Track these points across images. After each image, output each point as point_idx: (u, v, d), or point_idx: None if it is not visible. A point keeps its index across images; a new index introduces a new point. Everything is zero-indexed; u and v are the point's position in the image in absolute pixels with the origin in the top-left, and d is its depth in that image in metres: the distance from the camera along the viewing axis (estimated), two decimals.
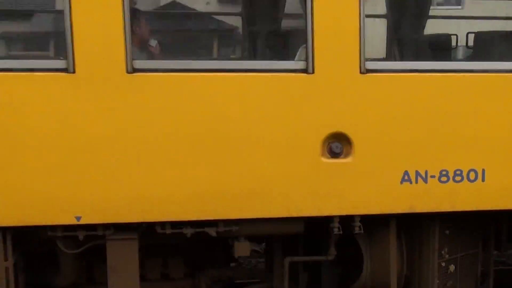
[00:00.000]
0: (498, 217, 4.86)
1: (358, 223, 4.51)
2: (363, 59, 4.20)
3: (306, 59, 4.16)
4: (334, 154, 4.27)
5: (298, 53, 4.64)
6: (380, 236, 4.86)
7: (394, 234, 4.75)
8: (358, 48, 4.16)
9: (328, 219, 4.48)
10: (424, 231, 4.86)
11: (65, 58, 4.12)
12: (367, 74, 4.21)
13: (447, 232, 4.82)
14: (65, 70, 4.09)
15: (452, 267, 4.86)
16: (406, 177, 4.35)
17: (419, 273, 4.95)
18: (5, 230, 4.33)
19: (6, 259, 4.34)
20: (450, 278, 4.94)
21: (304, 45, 4.33)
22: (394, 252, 4.77)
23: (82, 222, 4.24)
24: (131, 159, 4.18)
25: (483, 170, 4.38)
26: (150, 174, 4.20)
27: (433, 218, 4.82)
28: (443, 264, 4.81)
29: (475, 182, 4.37)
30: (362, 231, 4.54)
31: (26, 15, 7.52)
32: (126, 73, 4.06)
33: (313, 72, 4.14)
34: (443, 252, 4.85)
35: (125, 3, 4.08)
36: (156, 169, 4.22)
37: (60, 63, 4.13)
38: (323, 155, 4.27)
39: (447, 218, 4.74)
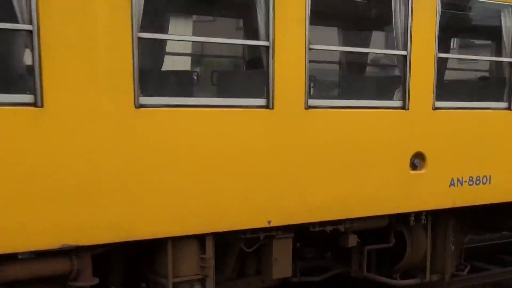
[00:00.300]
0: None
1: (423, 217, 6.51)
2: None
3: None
4: None
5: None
6: (416, 228, 6.74)
7: (429, 226, 6.69)
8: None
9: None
10: (442, 223, 6.93)
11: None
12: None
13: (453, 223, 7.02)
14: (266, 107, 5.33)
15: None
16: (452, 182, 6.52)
17: (440, 253, 7.00)
18: (205, 236, 5.33)
19: (209, 259, 5.38)
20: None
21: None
22: (429, 239, 6.74)
23: (272, 225, 5.47)
24: (304, 177, 5.52)
25: (490, 176, 6.58)
26: (315, 188, 5.57)
27: (447, 214, 6.94)
28: (453, 246, 7.01)
29: (486, 185, 6.49)
30: (425, 222, 6.57)
31: None
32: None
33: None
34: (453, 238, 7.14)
35: None
36: (317, 181, 5.59)
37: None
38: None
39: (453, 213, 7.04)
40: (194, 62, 7.48)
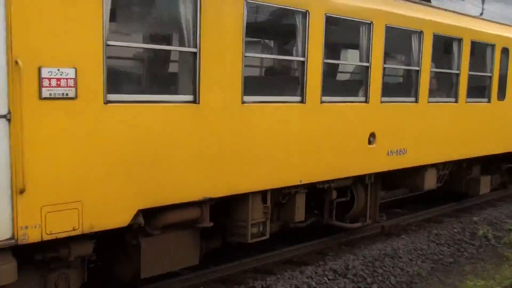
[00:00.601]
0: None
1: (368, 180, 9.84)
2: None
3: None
4: None
5: None
6: (360, 187, 9.66)
7: (369, 185, 9.69)
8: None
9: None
10: (375, 183, 9.90)
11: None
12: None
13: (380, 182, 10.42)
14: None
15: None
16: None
17: (373, 204, 10.05)
18: (266, 192, 7.75)
19: (269, 207, 7.84)
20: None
21: None
22: (369, 195, 9.82)
23: (301, 183, 8.15)
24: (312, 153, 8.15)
25: (406, 149, 10.05)
26: (318, 159, 8.07)
27: (377, 176, 10.05)
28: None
29: (404, 155, 9.91)
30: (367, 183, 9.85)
31: None
32: None
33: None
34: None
35: None
36: (318, 156, 8.24)
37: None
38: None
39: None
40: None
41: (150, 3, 6.56)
